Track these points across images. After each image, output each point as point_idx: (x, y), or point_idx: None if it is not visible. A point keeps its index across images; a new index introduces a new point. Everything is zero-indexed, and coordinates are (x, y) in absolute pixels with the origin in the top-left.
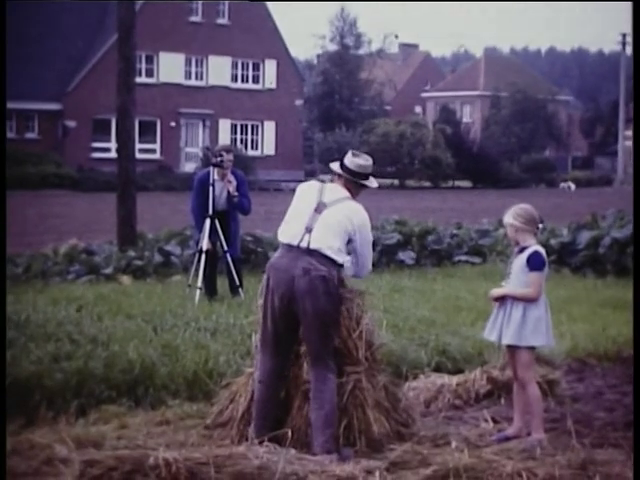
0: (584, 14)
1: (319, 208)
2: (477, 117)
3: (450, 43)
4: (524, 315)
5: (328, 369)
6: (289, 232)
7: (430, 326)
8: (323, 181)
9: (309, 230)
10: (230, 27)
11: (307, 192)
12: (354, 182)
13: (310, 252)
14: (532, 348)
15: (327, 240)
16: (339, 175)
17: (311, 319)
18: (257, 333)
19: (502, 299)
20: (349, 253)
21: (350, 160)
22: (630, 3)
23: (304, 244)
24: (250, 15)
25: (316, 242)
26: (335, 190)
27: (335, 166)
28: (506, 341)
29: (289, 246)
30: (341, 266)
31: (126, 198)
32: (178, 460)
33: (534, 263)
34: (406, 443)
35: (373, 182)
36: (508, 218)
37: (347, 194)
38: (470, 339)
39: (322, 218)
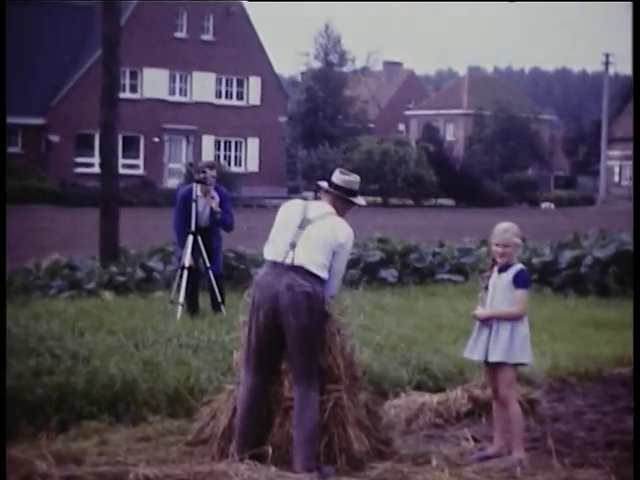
0: (568, 34)
1: (303, 224)
2: (460, 135)
3: (434, 61)
4: (512, 333)
5: (311, 386)
6: (274, 249)
7: (412, 344)
8: (306, 199)
9: (293, 246)
10: (215, 43)
11: (291, 209)
12: (341, 198)
13: (294, 268)
14: (519, 366)
15: (311, 256)
16: (326, 192)
17: (295, 335)
18: (239, 350)
19: (487, 319)
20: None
21: (337, 177)
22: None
23: (288, 260)
24: (235, 32)
25: (300, 258)
26: (320, 206)
27: (323, 183)
28: (494, 359)
29: (274, 263)
30: (324, 281)
31: (109, 213)
32: (158, 476)
33: (521, 281)
34: (387, 461)
35: (361, 200)
36: (511, 236)
37: (332, 210)
38: (451, 357)
39: (306, 233)
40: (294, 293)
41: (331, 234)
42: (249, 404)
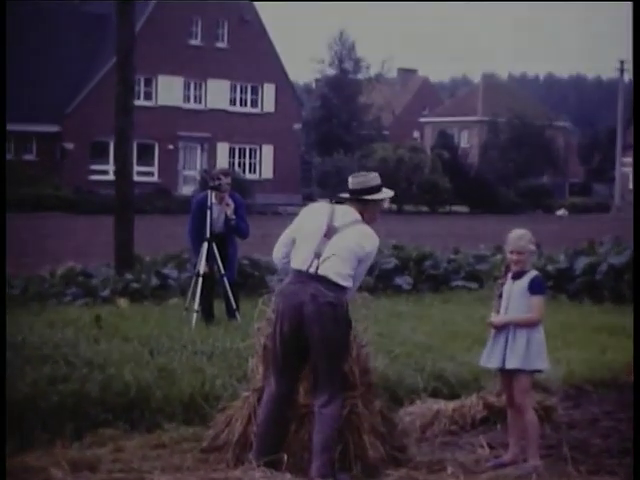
0: (582, 41)
1: (329, 233)
2: (475, 142)
3: (448, 68)
4: (528, 339)
5: (334, 395)
6: (299, 258)
7: (426, 351)
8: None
9: (318, 256)
10: (229, 51)
11: (317, 214)
12: (362, 200)
13: (318, 278)
14: (536, 372)
15: (336, 266)
16: (348, 200)
17: (319, 345)
18: (254, 356)
19: (502, 326)
20: None
21: (350, 182)
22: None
23: (312, 270)
24: (249, 39)
25: (324, 268)
26: (347, 212)
27: (344, 195)
28: (512, 365)
29: (299, 272)
30: (347, 289)
31: (124, 221)
32: None
33: (537, 287)
34: (402, 469)
35: (381, 193)
36: (525, 244)
37: (358, 217)
38: (466, 365)
39: (332, 243)
40: (319, 303)
41: (358, 244)
42: (272, 411)
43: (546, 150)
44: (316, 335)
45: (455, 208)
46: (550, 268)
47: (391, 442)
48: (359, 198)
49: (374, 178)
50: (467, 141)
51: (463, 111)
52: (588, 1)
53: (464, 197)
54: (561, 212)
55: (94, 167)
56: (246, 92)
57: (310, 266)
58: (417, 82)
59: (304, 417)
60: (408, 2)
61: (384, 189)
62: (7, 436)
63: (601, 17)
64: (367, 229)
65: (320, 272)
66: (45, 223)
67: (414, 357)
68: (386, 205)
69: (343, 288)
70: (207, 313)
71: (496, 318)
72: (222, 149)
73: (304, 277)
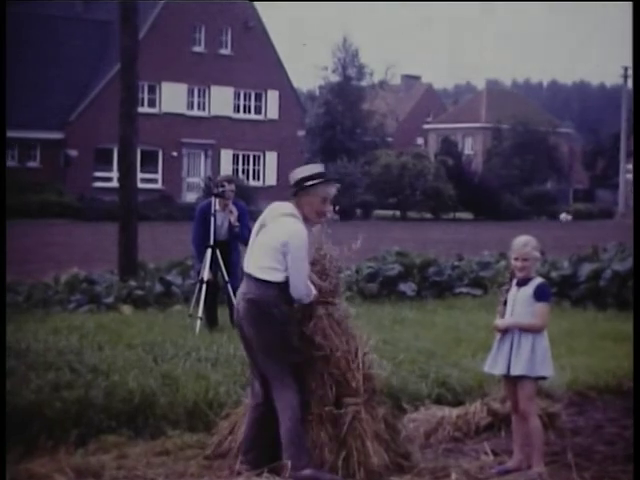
0: (586, 47)
1: (258, 230)
2: (479, 149)
3: (452, 75)
4: (533, 346)
5: (284, 388)
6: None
7: (430, 358)
8: None
9: (248, 255)
10: (232, 57)
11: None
12: (294, 194)
13: (248, 276)
14: (541, 379)
15: (257, 261)
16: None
17: (252, 342)
18: None
19: (506, 331)
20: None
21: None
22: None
23: (245, 269)
24: (252, 46)
25: (249, 266)
26: (279, 207)
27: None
28: (517, 372)
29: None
30: (283, 284)
31: (127, 227)
32: None
33: (542, 294)
34: (406, 475)
35: (309, 182)
36: (530, 250)
37: (289, 211)
38: (470, 371)
39: (258, 239)
40: (245, 301)
41: (272, 236)
42: (251, 412)
43: (550, 156)
44: (247, 333)
45: (459, 215)
46: (554, 274)
47: (395, 449)
48: (298, 191)
49: (307, 169)
50: (471, 148)
51: (467, 118)
52: (592, 1)
53: (468, 204)
54: (564, 216)
55: (98, 174)
56: (250, 99)
57: (245, 266)
58: (421, 89)
59: (306, 424)
60: (412, 8)
61: (324, 178)
62: (11, 443)
63: (605, 24)
64: (287, 220)
65: (246, 270)
66: (49, 230)
67: (418, 363)
68: (331, 193)
69: (270, 283)
70: (211, 320)
71: (500, 321)
72: (226, 156)
73: (244, 277)
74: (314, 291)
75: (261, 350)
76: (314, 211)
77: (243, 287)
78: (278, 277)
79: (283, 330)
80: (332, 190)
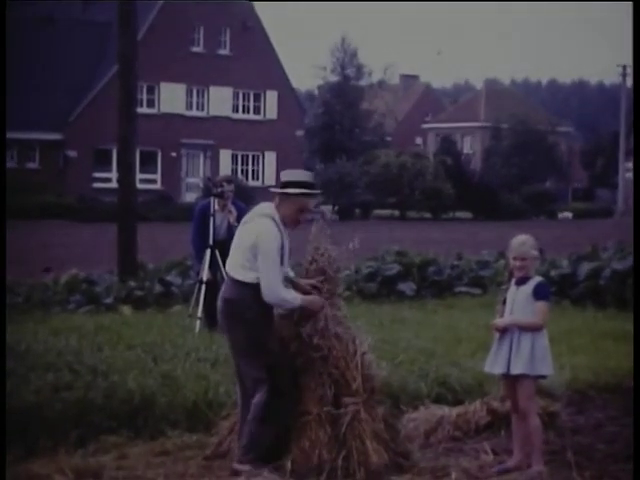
0: (585, 46)
1: (240, 229)
2: (478, 148)
3: (451, 74)
4: (533, 345)
5: (254, 386)
6: None
7: (430, 357)
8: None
9: (229, 254)
10: (231, 58)
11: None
12: (280, 195)
13: (227, 275)
14: (540, 378)
15: (232, 261)
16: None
17: (228, 340)
18: None
19: (505, 330)
20: None
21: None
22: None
23: (226, 268)
24: (251, 46)
25: (227, 265)
26: (258, 208)
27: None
28: (517, 371)
29: None
30: (257, 285)
31: (127, 228)
32: None
33: (542, 293)
34: (406, 475)
35: (289, 189)
36: (528, 249)
37: (267, 212)
38: (470, 370)
39: (235, 239)
40: (222, 301)
41: (245, 236)
42: (242, 410)
43: (549, 156)
44: (224, 331)
45: (458, 214)
46: (553, 273)
47: (394, 448)
48: (282, 192)
49: (295, 174)
50: (470, 147)
51: (466, 117)
52: (591, 1)
53: (467, 203)
54: (564, 214)
55: (97, 175)
56: (249, 99)
57: (226, 265)
58: (419, 88)
59: (305, 425)
60: (410, 8)
61: (306, 190)
62: (11, 444)
63: (604, 22)
64: (260, 221)
65: (226, 269)
66: (48, 231)
67: (418, 363)
68: (310, 205)
69: (245, 283)
70: (210, 320)
71: (499, 320)
72: (225, 156)
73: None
74: (297, 300)
75: (233, 349)
76: (289, 217)
77: (223, 287)
78: (251, 277)
79: (255, 331)
80: (311, 202)
